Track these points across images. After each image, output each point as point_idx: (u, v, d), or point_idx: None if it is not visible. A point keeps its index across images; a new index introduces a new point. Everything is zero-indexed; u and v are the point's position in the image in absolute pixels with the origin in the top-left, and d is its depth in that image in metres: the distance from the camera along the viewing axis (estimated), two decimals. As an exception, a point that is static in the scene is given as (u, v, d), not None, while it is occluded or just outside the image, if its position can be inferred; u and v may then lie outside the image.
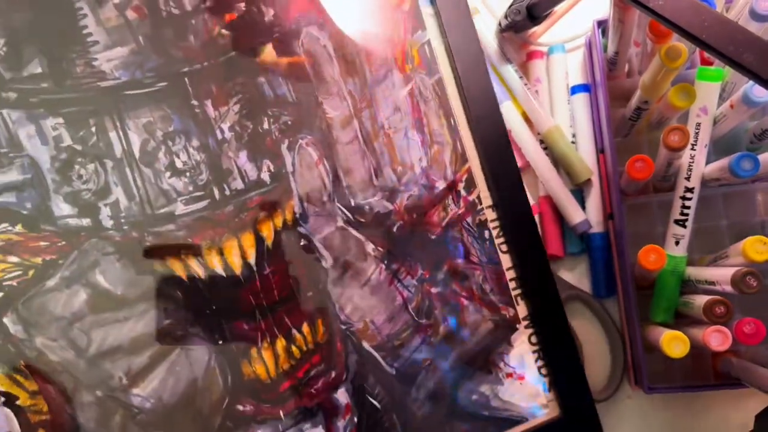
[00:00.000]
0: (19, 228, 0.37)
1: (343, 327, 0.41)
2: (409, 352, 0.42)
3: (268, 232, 0.41)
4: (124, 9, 0.40)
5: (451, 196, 0.44)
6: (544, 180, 0.49)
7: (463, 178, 0.45)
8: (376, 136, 0.44)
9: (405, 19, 0.45)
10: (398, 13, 0.45)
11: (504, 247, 0.45)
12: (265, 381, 0.40)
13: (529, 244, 0.45)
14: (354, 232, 0.42)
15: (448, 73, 0.45)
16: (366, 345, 0.42)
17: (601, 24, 0.48)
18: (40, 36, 0.39)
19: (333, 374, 0.41)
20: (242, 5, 0.42)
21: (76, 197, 0.38)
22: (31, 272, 0.37)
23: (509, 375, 0.44)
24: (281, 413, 0.40)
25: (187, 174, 0.40)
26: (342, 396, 0.41)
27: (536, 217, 0.50)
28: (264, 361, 0.40)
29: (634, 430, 0.48)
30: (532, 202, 0.48)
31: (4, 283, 0.37)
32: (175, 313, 0.39)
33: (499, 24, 0.46)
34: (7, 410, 0.36)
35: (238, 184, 0.41)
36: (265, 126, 0.42)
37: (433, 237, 0.44)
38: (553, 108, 0.51)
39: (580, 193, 0.50)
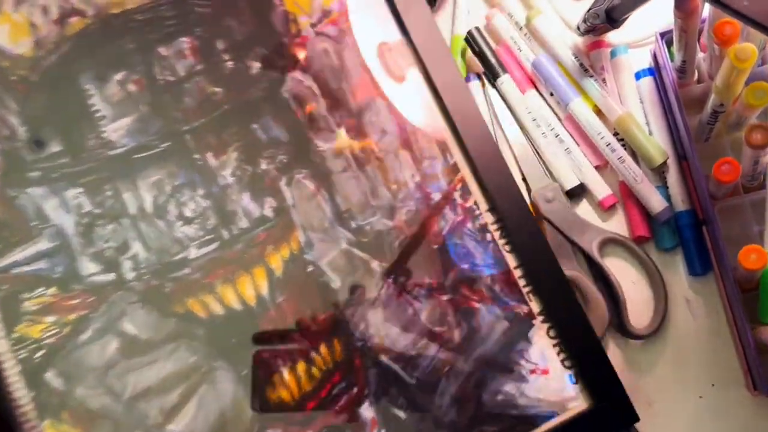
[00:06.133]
0: (52, 290, 0.41)
1: (359, 343, 0.43)
2: (428, 361, 0.44)
3: (276, 263, 0.44)
4: (125, 84, 0.45)
5: (448, 206, 0.46)
6: (620, 171, 0.50)
7: (458, 187, 0.47)
8: (368, 160, 0.46)
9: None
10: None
11: (507, 247, 0.46)
12: (291, 404, 0.42)
13: (531, 240, 0.46)
14: (358, 252, 0.45)
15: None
16: (384, 358, 0.43)
17: (664, 36, 0.49)
18: (55, 118, 0.44)
19: (355, 390, 0.42)
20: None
21: (99, 256, 0.42)
22: (66, 329, 0.41)
23: (532, 371, 0.44)
24: (310, 433, 0.41)
25: (197, 221, 0.44)
26: (366, 410, 0.42)
27: (616, 205, 0.52)
28: (287, 386, 0.42)
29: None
30: (609, 192, 0.51)
31: (44, 342, 0.40)
32: (199, 350, 0.42)
33: (578, 28, 0.47)
34: (57, 457, 0.39)
35: (244, 223, 0.44)
36: (263, 167, 0.45)
37: (435, 246, 0.45)
38: (623, 102, 0.52)
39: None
